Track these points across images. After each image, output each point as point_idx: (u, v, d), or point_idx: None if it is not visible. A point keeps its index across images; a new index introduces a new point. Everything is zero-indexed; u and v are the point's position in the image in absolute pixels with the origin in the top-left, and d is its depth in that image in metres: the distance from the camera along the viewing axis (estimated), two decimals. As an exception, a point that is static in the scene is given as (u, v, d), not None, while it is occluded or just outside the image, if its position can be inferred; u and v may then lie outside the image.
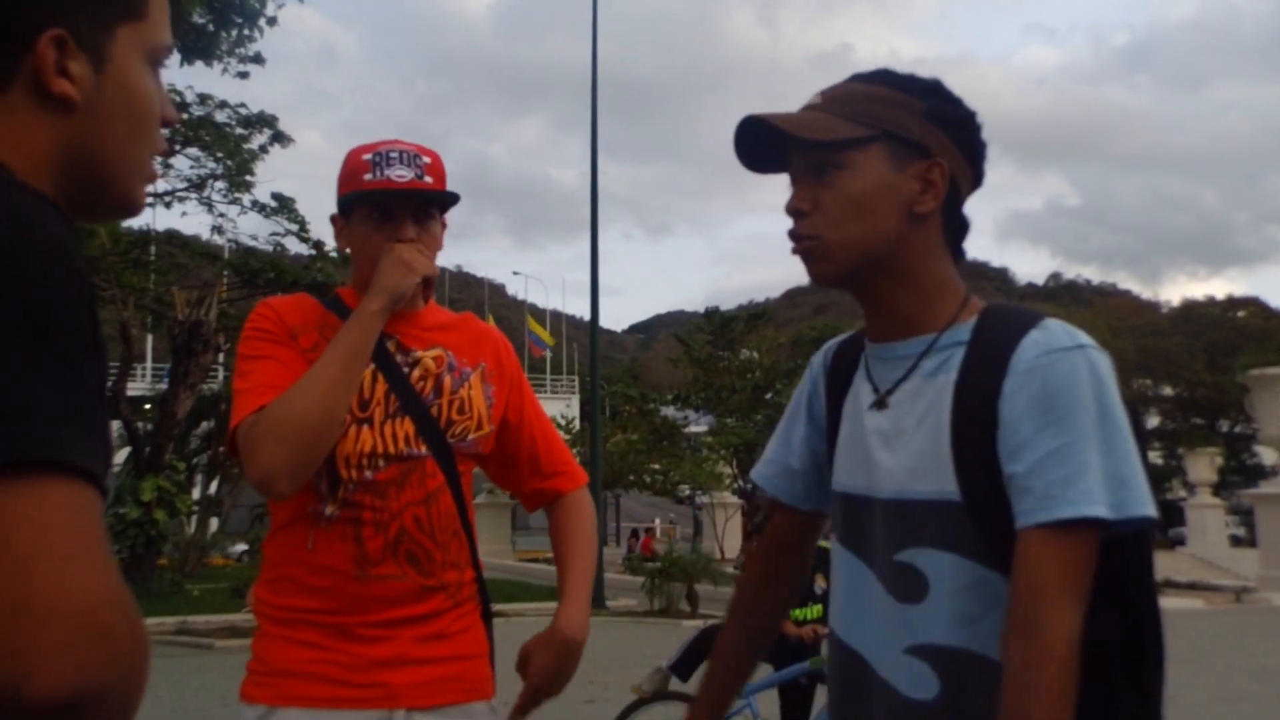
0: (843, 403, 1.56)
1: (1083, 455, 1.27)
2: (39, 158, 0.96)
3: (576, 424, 37.69)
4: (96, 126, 0.98)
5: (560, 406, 43.51)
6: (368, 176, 1.99)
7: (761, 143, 1.48)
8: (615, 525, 45.73)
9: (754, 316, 39.55)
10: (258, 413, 1.86)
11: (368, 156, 2.01)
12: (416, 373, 2.01)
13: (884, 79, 1.46)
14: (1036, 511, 1.27)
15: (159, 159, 1.09)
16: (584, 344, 40.34)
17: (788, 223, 1.48)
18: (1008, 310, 1.42)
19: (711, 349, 37.29)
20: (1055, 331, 1.34)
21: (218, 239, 23.45)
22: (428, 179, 2.00)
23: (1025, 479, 1.29)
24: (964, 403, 1.35)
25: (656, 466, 33.70)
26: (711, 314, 38.29)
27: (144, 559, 18.94)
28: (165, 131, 1.09)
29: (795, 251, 1.47)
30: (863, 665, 1.45)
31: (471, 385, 2.06)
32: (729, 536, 32.78)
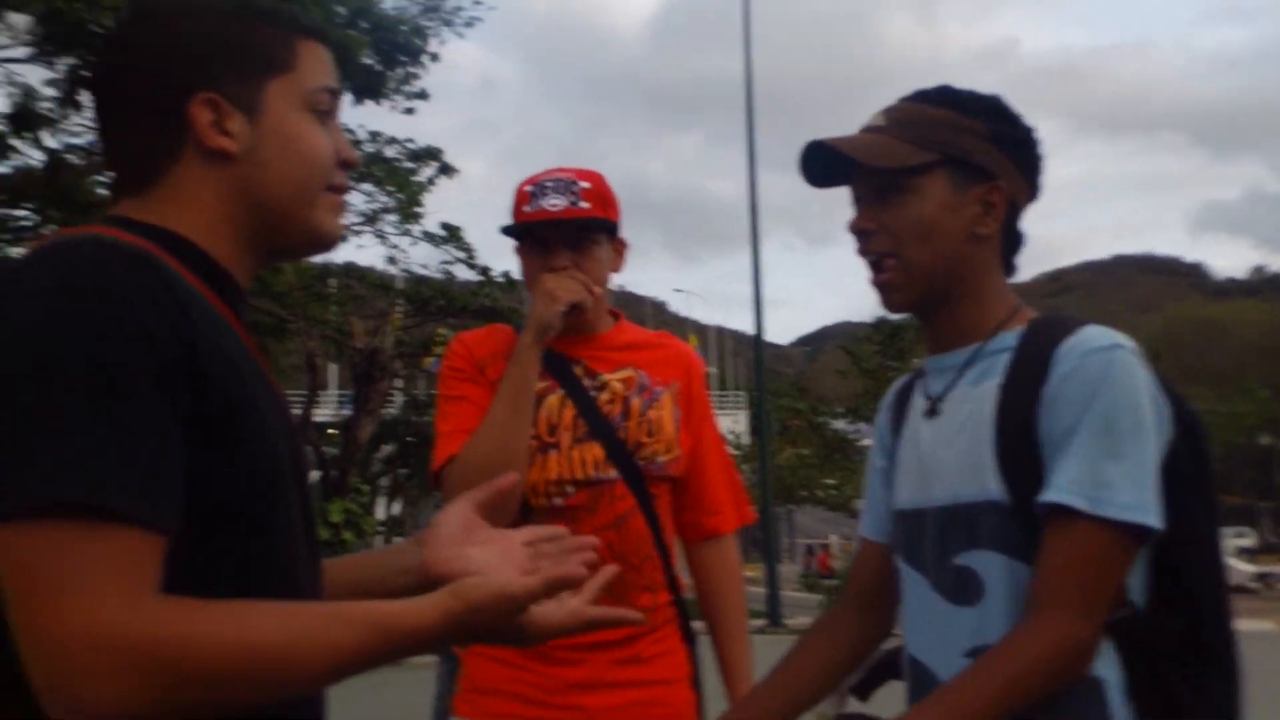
0: (902, 431, 1.60)
1: (1079, 449, 1.32)
2: (212, 210, 1.10)
3: (745, 439, 37.50)
4: (260, 172, 1.11)
5: (728, 422, 43.38)
6: (526, 208, 2.03)
7: (826, 162, 1.51)
8: (789, 541, 45.29)
9: (923, 324, 38.56)
10: (451, 461, 1.95)
11: (528, 188, 2.05)
12: (604, 396, 2.03)
13: (947, 99, 1.49)
14: (1068, 502, 1.32)
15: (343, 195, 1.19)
16: (749, 359, 40.19)
17: None
18: (1054, 319, 1.46)
19: (881, 359, 36.54)
20: (1094, 334, 1.38)
21: (391, 269, 24.36)
22: (583, 204, 2.01)
23: (1064, 476, 1.33)
24: (1007, 406, 1.40)
25: (830, 481, 33.30)
26: (880, 324, 37.54)
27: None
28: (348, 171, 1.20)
29: (874, 283, 1.50)
30: (926, 673, 1.46)
31: (662, 406, 2.06)
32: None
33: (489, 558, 1.21)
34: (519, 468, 1.89)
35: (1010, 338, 1.44)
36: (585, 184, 2.03)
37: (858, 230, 1.49)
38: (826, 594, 17.73)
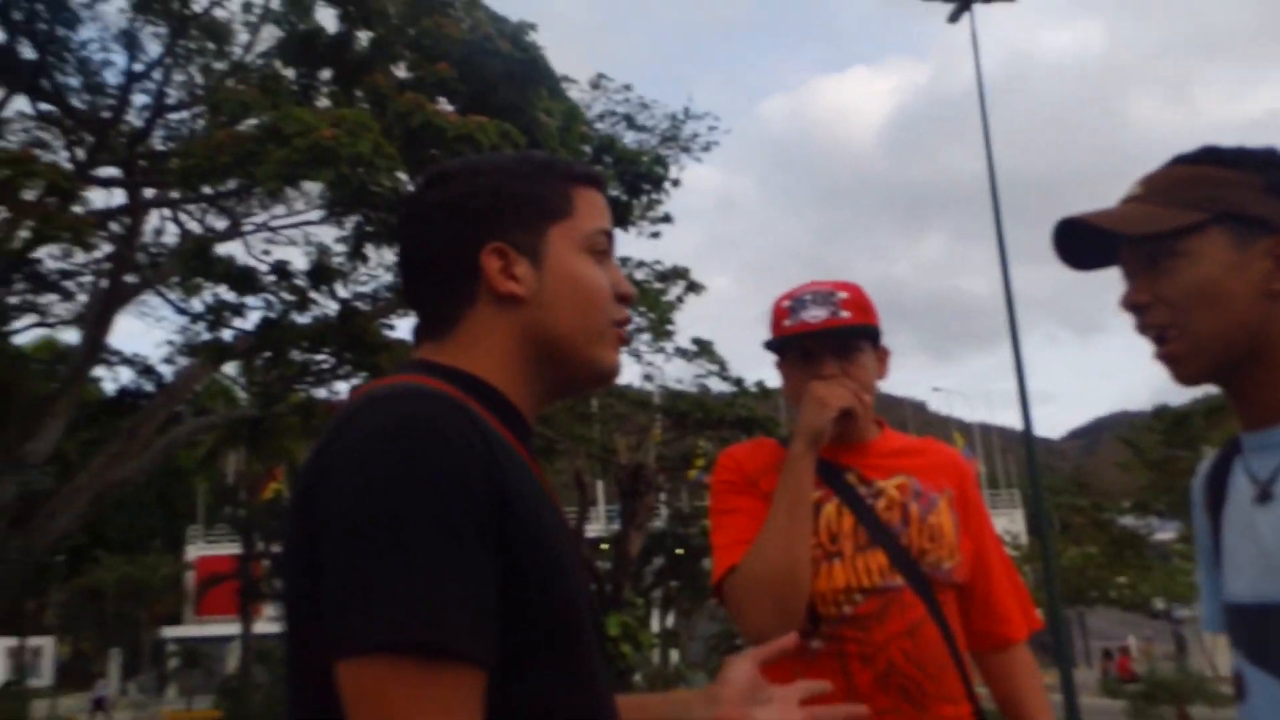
0: (1223, 513, 1.45)
1: None
2: (504, 351, 1.17)
3: (1023, 538, 35.52)
4: (545, 313, 1.17)
5: (1003, 522, 41.28)
6: (787, 322, 2.05)
7: (1084, 241, 1.43)
8: (1083, 645, 42.19)
9: (1213, 410, 35.61)
10: (730, 572, 1.94)
11: (786, 303, 2.07)
12: (882, 503, 2.00)
13: (1211, 158, 1.39)
14: None
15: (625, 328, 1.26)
16: (1018, 455, 38.24)
17: None
18: None
19: (1167, 449, 34.00)
20: None
21: (648, 386, 25.01)
22: (843, 314, 2.01)
23: None
24: None
25: (1122, 580, 30.97)
26: (1161, 412, 35.11)
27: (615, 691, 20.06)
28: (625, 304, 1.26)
29: (1158, 357, 1.39)
30: None
31: (940, 512, 2.03)
32: (1221, 651, 28.99)
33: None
34: (802, 576, 1.88)
35: None
36: (844, 294, 2.04)
37: (1131, 305, 1.40)
38: (1129, 699, 16.30)
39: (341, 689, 0.94)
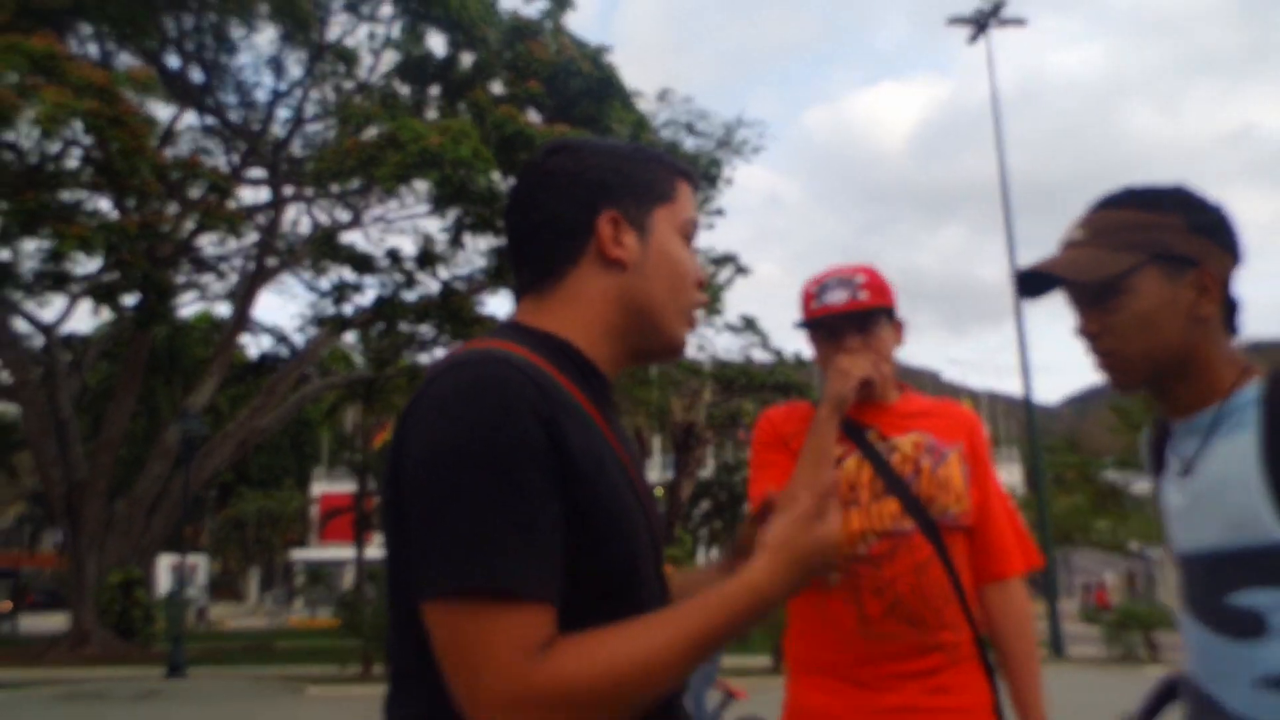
0: (1161, 479, 1.51)
1: None
2: (597, 312, 1.11)
3: (1020, 490, 35.13)
4: (644, 283, 1.12)
5: (1004, 476, 40.40)
6: (813, 305, 2.03)
7: (1039, 278, 1.46)
8: (1068, 580, 41.69)
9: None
10: None
11: (813, 288, 2.06)
12: (896, 457, 1.98)
13: (1135, 200, 1.42)
14: None
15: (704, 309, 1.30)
16: (1020, 419, 37.70)
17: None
18: None
19: (1148, 414, 33.26)
20: None
21: (700, 356, 25.12)
22: (861, 295, 2.00)
23: None
24: (1272, 452, 1.29)
25: (1103, 524, 30.54)
26: (1146, 380, 34.26)
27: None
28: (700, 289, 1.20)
29: (1099, 368, 1.45)
30: (1212, 702, 1.36)
31: (950, 464, 2.00)
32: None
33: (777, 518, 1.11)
34: None
35: (1250, 391, 1.35)
36: (862, 278, 2.03)
37: (1084, 334, 1.44)
38: (1105, 626, 16.25)
39: (430, 630, 0.93)
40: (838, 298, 2.00)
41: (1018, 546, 2.09)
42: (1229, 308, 1.43)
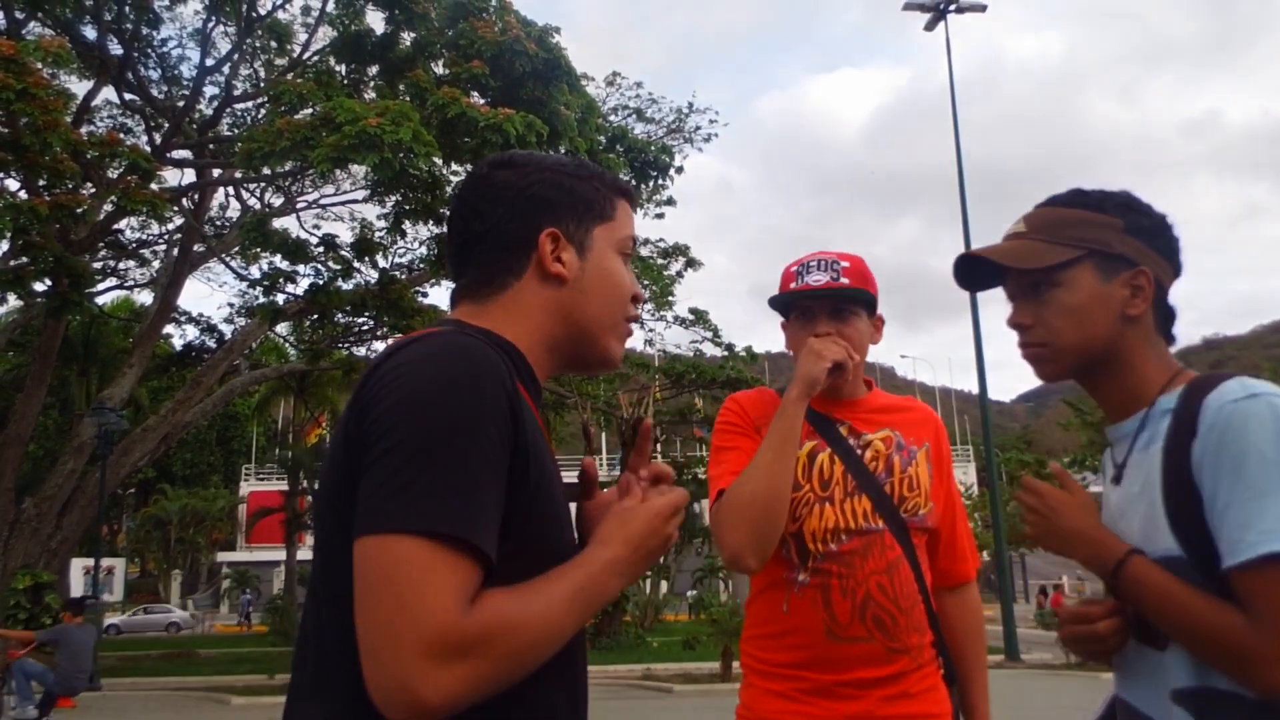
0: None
1: (1258, 499, 1.22)
2: (535, 323, 1.19)
3: (975, 490, 35.72)
4: (581, 299, 1.21)
5: (958, 474, 41.16)
6: (793, 285, 2.03)
7: (978, 269, 1.52)
8: (1023, 583, 42.58)
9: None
10: (720, 495, 1.91)
11: (794, 268, 2.06)
12: (869, 454, 1.99)
13: (1079, 201, 1.48)
14: (1226, 557, 1.24)
15: (633, 324, 1.29)
16: (974, 416, 38.43)
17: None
18: (1206, 377, 1.38)
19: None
20: (1231, 387, 1.31)
21: (649, 350, 25.19)
22: (844, 280, 2.00)
23: (1219, 529, 1.26)
24: (1169, 466, 1.33)
25: (1058, 527, 31.17)
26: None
27: (613, 616, 20.34)
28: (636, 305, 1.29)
29: (1024, 356, 1.50)
30: (1137, 714, 1.40)
31: (918, 464, 2.02)
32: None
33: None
34: (779, 507, 1.86)
35: (1170, 399, 1.39)
36: (845, 263, 2.02)
37: (1014, 325, 1.49)
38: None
39: (357, 562, 0.96)
40: (817, 279, 2.00)
41: (972, 549, 2.13)
42: (1165, 315, 1.47)
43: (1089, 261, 1.44)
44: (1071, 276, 1.44)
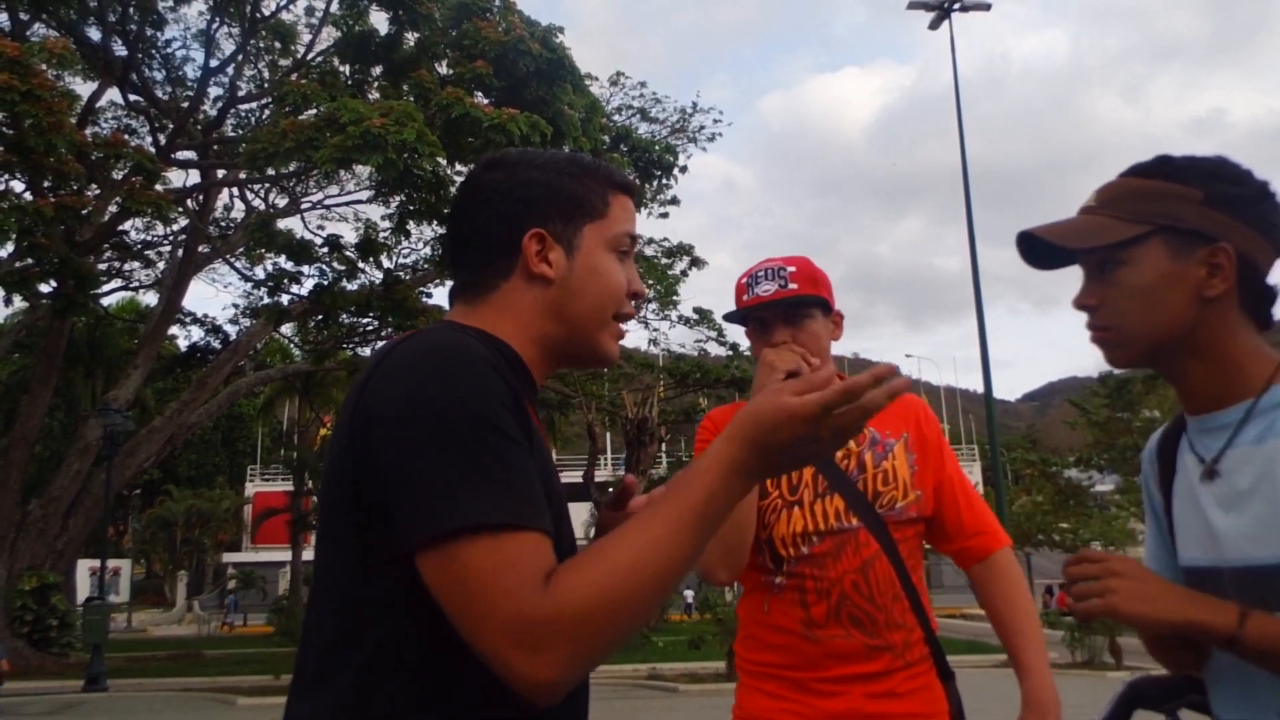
0: (1173, 483, 1.43)
1: None
2: (525, 322, 1.19)
3: (980, 488, 35.78)
4: (570, 298, 1.20)
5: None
6: (745, 297, 2.06)
7: (1046, 246, 1.40)
8: (1029, 582, 42.59)
9: (1152, 378, 35.57)
10: None
11: (744, 280, 2.08)
12: (839, 453, 1.97)
13: (1160, 171, 1.35)
14: None
15: (631, 321, 1.28)
16: (979, 415, 38.41)
17: None
18: None
19: (1110, 412, 34.06)
20: None
21: (653, 349, 25.21)
22: (792, 286, 2.01)
23: None
24: None
25: (1065, 525, 31.13)
26: (1106, 378, 35.09)
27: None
28: (636, 302, 1.28)
29: (1091, 340, 1.39)
30: None
31: (895, 456, 2.01)
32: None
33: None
34: (744, 521, 1.89)
35: None
36: (791, 269, 2.03)
37: (1080, 306, 1.39)
38: (1067, 630, 16.56)
39: (427, 579, 0.96)
40: (766, 289, 2.02)
41: (995, 522, 2.08)
42: (1258, 296, 1.33)
43: (1159, 238, 1.31)
44: (1138, 254, 1.32)
